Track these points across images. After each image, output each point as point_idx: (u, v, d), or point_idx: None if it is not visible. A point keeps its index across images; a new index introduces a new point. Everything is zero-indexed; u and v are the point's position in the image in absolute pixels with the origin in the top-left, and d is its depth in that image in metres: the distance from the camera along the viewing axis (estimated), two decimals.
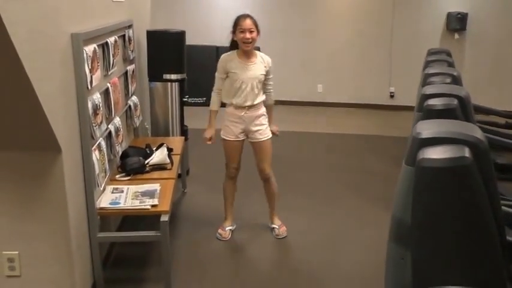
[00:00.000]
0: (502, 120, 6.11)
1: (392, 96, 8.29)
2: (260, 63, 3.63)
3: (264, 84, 3.68)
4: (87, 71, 2.67)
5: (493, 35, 7.88)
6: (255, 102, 3.62)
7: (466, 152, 1.81)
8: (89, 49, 2.72)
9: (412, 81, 7.84)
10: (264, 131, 3.71)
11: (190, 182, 4.79)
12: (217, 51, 8.09)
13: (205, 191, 4.72)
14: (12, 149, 2.36)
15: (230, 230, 3.90)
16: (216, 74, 3.74)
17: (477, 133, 1.93)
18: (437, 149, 1.84)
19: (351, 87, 8.27)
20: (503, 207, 2.49)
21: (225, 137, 3.74)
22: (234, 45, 3.65)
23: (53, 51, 2.28)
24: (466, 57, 7.89)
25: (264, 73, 3.63)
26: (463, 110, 2.88)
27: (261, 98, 3.68)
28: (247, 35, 3.51)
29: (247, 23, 3.52)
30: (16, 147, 2.36)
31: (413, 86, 7.57)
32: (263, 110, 3.72)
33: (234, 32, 3.59)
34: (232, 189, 3.92)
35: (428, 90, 2.93)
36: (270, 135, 3.76)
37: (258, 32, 3.59)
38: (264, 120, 3.73)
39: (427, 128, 1.95)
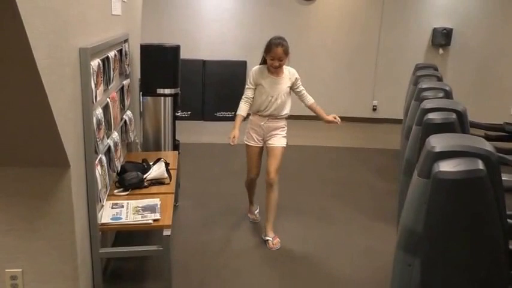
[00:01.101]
0: (481, 133, 6.28)
1: (375, 110, 8.44)
2: (286, 77, 3.93)
3: (296, 93, 4.03)
4: (93, 85, 2.67)
5: (476, 51, 8.16)
6: (278, 113, 3.95)
7: (480, 165, 1.89)
8: (94, 64, 2.72)
9: (394, 95, 8.04)
10: (278, 139, 3.99)
11: (182, 196, 4.79)
12: (204, 64, 8.14)
13: (197, 205, 4.73)
14: (22, 165, 2.34)
15: (257, 212, 4.41)
16: (247, 84, 3.99)
17: (487, 146, 2.01)
18: (452, 162, 1.91)
19: (335, 100, 8.40)
20: None
21: (247, 143, 4.09)
22: (265, 61, 3.92)
23: (65, 66, 2.28)
24: (448, 72, 8.12)
25: (289, 85, 3.95)
26: (460, 123, 2.98)
27: (285, 110, 3.97)
28: (276, 63, 3.81)
29: (278, 52, 3.77)
30: (25, 163, 2.34)
31: (396, 99, 7.78)
32: (284, 123, 4.03)
33: (266, 53, 3.85)
34: (253, 186, 4.32)
35: (428, 104, 3.02)
36: (284, 145, 4.02)
37: (287, 55, 3.85)
38: (282, 131, 4.01)
39: (440, 142, 2.01)
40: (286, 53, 3.80)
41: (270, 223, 4.03)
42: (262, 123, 3.95)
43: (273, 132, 3.97)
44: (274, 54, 3.77)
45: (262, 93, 3.88)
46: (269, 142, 3.99)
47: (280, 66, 3.84)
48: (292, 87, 3.97)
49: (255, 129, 4.00)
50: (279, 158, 3.96)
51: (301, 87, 4.03)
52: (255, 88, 3.92)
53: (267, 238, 3.98)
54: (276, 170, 3.94)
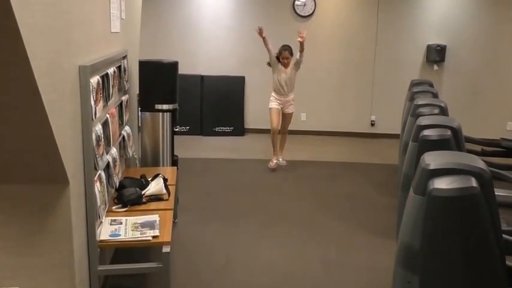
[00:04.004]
0: (478, 148, 6.30)
1: (373, 125, 8.49)
2: (292, 67, 6.29)
3: (298, 59, 6.27)
4: (93, 102, 2.70)
5: (470, 67, 8.23)
6: (287, 92, 6.38)
7: (474, 182, 1.92)
8: (94, 81, 2.76)
9: (392, 110, 8.10)
10: (289, 108, 6.50)
11: (181, 212, 4.79)
12: (202, 80, 8.20)
13: (196, 221, 4.73)
14: (21, 181, 2.36)
15: (277, 162, 6.47)
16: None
17: (480, 164, 2.04)
18: (446, 180, 1.95)
19: (334, 116, 8.47)
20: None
21: (271, 106, 6.43)
22: (278, 59, 6.32)
23: (65, 83, 2.31)
24: (443, 88, 8.18)
25: (295, 70, 6.33)
26: (455, 140, 3.01)
27: (292, 89, 6.42)
28: (285, 61, 6.29)
29: (286, 54, 6.27)
30: (25, 180, 2.36)
31: (394, 114, 7.83)
32: (292, 97, 6.46)
33: (279, 54, 6.30)
34: (276, 138, 6.50)
35: (423, 121, 3.06)
36: (292, 111, 6.56)
37: (292, 55, 6.28)
38: (291, 104, 6.49)
39: (435, 160, 2.05)
40: (291, 54, 6.26)
41: (281, 151, 6.63)
42: (279, 97, 6.37)
43: (287, 104, 6.42)
44: (283, 55, 6.24)
45: (276, 78, 6.32)
46: (284, 110, 6.43)
47: (288, 63, 6.26)
48: (296, 63, 6.28)
49: (277, 100, 6.38)
50: (289, 120, 6.59)
51: (297, 57, 6.22)
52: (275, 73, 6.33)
53: (279, 158, 6.57)
54: (287, 126, 6.59)
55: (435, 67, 8.18)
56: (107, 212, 3.28)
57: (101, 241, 2.96)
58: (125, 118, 4.01)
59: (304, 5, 8.12)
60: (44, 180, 2.37)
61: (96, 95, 2.79)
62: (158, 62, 4.53)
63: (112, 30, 3.50)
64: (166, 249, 2.96)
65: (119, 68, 3.74)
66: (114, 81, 3.43)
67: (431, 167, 2.00)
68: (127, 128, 4.08)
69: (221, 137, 8.20)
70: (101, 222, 3.08)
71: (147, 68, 4.47)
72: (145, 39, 6.79)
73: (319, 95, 8.38)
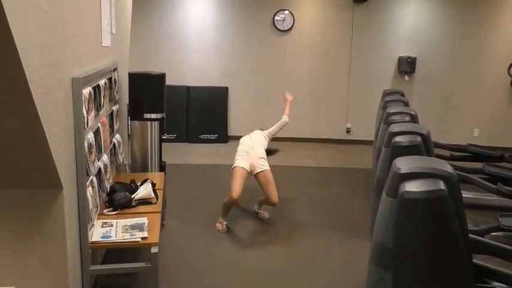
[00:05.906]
0: (446, 153, 6.39)
1: (348, 132, 8.57)
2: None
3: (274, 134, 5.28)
4: (85, 112, 2.69)
5: (439, 78, 8.36)
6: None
7: (442, 185, 1.96)
8: (86, 92, 2.75)
9: (366, 118, 8.19)
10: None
11: (168, 214, 4.78)
12: (188, 90, 8.20)
13: (183, 223, 4.72)
14: (17, 187, 2.34)
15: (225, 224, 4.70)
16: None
17: (448, 168, 2.08)
18: (416, 183, 1.98)
19: (311, 123, 8.52)
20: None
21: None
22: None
23: (58, 94, 2.31)
24: (414, 97, 8.30)
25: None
26: (425, 145, 3.06)
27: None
28: None
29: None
30: (20, 185, 2.34)
31: (368, 122, 7.93)
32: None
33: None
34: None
35: (395, 128, 3.10)
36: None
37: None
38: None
39: (406, 164, 2.08)
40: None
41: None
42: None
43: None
44: None
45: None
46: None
47: None
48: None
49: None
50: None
51: (271, 130, 5.22)
52: None
53: (259, 210, 5.04)
54: None
55: (406, 77, 8.30)
56: (98, 215, 3.26)
57: (93, 242, 2.95)
58: (116, 126, 4.00)
59: (284, 20, 8.19)
60: (39, 185, 2.36)
61: (88, 105, 2.79)
62: (147, 73, 4.53)
63: (103, 45, 3.50)
64: (154, 249, 2.96)
65: (110, 79, 3.74)
66: (105, 92, 3.42)
67: (402, 171, 2.04)
68: (117, 135, 4.06)
69: (206, 144, 8.20)
70: (93, 224, 3.07)
71: (136, 79, 4.47)
72: (135, 52, 6.78)
73: (298, 104, 8.40)
